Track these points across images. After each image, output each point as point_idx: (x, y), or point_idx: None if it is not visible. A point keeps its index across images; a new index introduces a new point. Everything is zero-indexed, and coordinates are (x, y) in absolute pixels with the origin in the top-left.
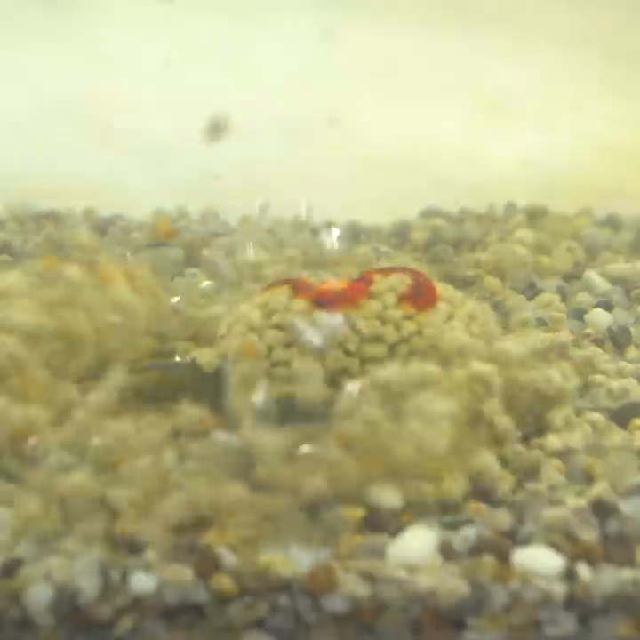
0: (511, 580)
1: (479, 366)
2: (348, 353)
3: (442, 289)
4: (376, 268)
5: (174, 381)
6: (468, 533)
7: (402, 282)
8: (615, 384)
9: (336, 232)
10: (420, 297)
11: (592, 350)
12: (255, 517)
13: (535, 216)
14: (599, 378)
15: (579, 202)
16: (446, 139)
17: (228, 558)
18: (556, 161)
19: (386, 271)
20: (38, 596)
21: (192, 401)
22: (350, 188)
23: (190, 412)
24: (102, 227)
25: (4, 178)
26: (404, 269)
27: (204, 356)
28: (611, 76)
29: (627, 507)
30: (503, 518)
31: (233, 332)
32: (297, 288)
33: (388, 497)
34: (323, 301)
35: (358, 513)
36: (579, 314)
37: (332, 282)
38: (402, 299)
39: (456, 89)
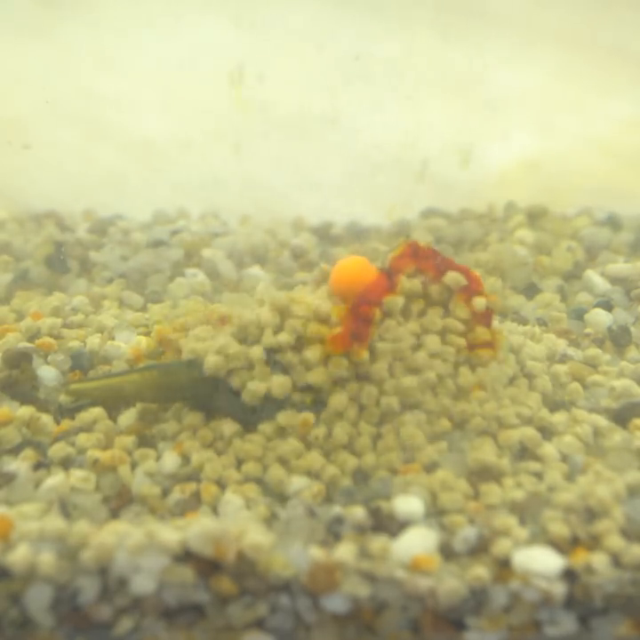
0: (511, 581)
1: None
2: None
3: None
4: (405, 250)
5: (173, 382)
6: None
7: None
8: (615, 384)
9: None
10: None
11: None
12: None
13: (535, 216)
14: (599, 378)
15: (579, 202)
16: (446, 139)
17: None
18: (557, 161)
19: (423, 262)
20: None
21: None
22: (350, 188)
23: None
24: (102, 227)
25: (3, 177)
26: (438, 259)
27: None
28: (611, 76)
29: (627, 507)
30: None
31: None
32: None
33: None
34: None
35: None
36: (579, 314)
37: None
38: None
39: (457, 89)
